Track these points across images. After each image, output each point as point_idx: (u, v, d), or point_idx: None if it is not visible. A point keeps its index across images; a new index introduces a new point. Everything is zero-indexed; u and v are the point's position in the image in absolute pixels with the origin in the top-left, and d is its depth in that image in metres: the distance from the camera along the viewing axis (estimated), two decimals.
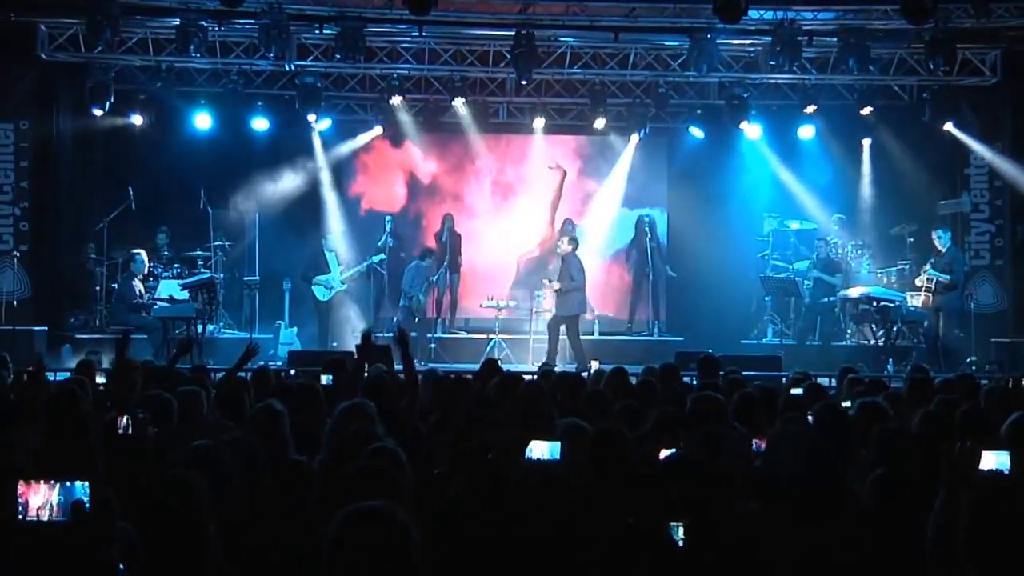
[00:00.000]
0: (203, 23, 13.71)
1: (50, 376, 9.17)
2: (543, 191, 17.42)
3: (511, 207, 17.46)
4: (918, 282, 14.53)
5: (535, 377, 8.81)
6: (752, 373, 10.67)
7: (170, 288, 14.36)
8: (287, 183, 16.14)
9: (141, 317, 14.08)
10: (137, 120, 15.61)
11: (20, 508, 3.26)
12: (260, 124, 15.69)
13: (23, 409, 6.57)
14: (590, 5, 14.15)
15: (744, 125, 15.58)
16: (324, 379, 7.69)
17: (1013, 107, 15.77)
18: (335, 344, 14.71)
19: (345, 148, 16.87)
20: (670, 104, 16.21)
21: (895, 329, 14.43)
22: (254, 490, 4.73)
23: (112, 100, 14.74)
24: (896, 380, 10.52)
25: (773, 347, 15.02)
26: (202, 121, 15.47)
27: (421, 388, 8.00)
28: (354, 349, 11.91)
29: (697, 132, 16.45)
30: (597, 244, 17.00)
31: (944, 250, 14.48)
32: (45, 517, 3.26)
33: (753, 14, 13.13)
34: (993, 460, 4.35)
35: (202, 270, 15.24)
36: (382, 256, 15.77)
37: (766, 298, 15.99)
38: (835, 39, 14.37)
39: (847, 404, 6.62)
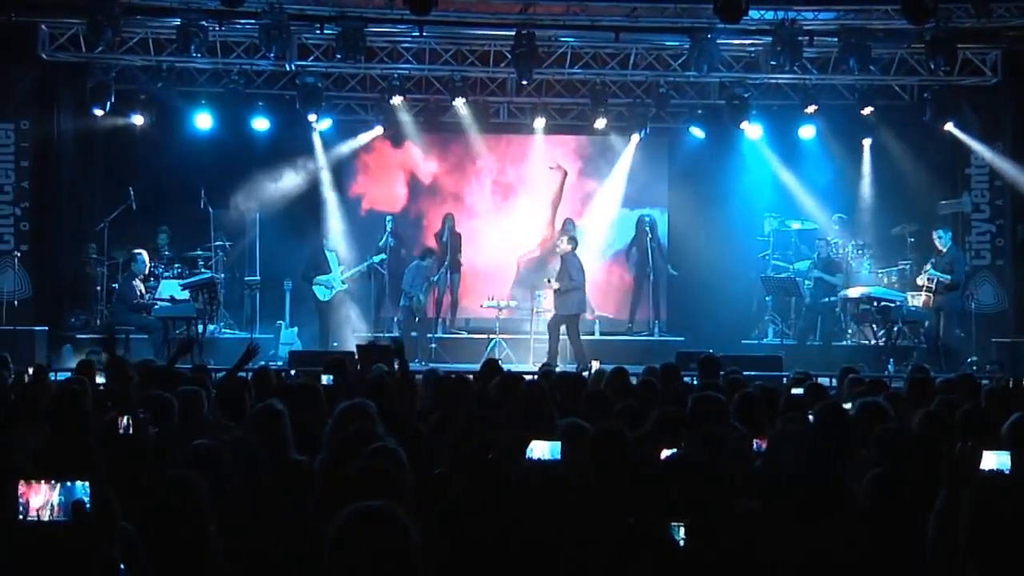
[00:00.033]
0: (204, 23, 13.71)
1: (51, 376, 9.19)
2: (544, 191, 17.42)
3: (512, 207, 17.45)
4: (919, 282, 14.53)
5: (536, 377, 8.81)
6: (753, 373, 10.67)
7: (171, 288, 14.36)
8: (288, 183, 16.14)
9: (142, 317, 14.09)
10: (138, 120, 15.62)
11: (21, 508, 3.26)
12: (261, 124, 15.69)
13: (24, 409, 6.57)
14: (591, 5, 14.15)
15: (745, 125, 15.58)
16: (325, 379, 7.69)
17: (1014, 107, 15.77)
18: (336, 344, 14.71)
19: (346, 148, 16.87)
20: (671, 104, 16.21)
21: (896, 329, 14.42)
22: (255, 490, 4.73)
23: (113, 100, 14.74)
24: (897, 380, 10.52)
25: (774, 347, 15.01)
26: (203, 121, 15.47)
27: (422, 388, 8.03)
28: (355, 349, 12.04)
29: (698, 132, 16.44)
30: (597, 244, 17.00)
31: (945, 250, 14.47)
32: (46, 517, 3.27)
33: (754, 14, 13.11)
34: (994, 460, 4.35)
35: (203, 270, 15.25)
36: (383, 256, 15.78)
37: (767, 298, 15.98)
38: (836, 39, 14.36)
39: (847, 406, 6.62)
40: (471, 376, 8.18)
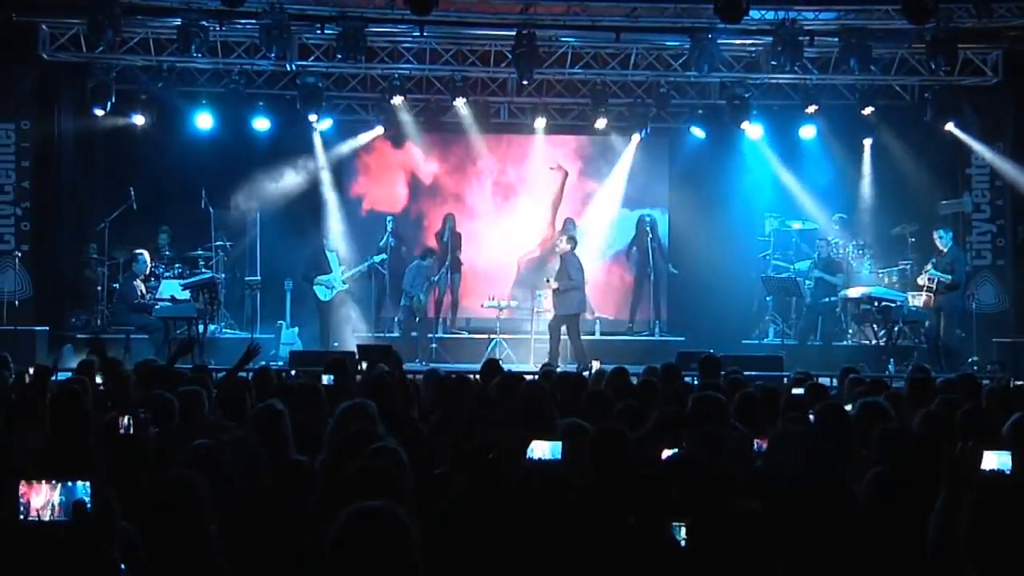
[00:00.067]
0: (204, 23, 13.71)
1: (52, 377, 9.18)
2: (544, 191, 17.42)
3: (512, 207, 17.45)
4: (920, 282, 14.52)
5: (536, 377, 8.81)
6: (753, 373, 10.67)
7: (171, 288, 14.36)
8: (288, 183, 16.14)
9: (143, 317, 14.10)
10: (138, 120, 15.62)
11: (22, 508, 3.26)
12: (261, 124, 15.69)
13: (24, 409, 6.57)
14: (591, 5, 14.15)
15: (745, 125, 15.57)
16: (325, 379, 7.70)
17: (1015, 107, 15.76)
18: (336, 344, 14.71)
19: (346, 148, 16.87)
20: (671, 104, 16.20)
21: (896, 329, 14.42)
22: (255, 490, 4.73)
23: (113, 100, 14.74)
24: (897, 380, 10.52)
25: (774, 347, 15.01)
26: (203, 121, 15.48)
27: (422, 388, 8.03)
28: (355, 349, 12.05)
29: (698, 132, 16.44)
30: (597, 244, 17.00)
31: (946, 250, 14.47)
32: (46, 517, 3.27)
33: (754, 14, 13.11)
34: (995, 460, 4.35)
35: (203, 270, 15.26)
36: (383, 256, 15.79)
37: (767, 298, 15.98)
38: (836, 39, 14.35)
39: (848, 407, 6.62)
40: (473, 376, 8.19)
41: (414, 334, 15.19)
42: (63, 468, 3.56)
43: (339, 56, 14.19)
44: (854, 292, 14.98)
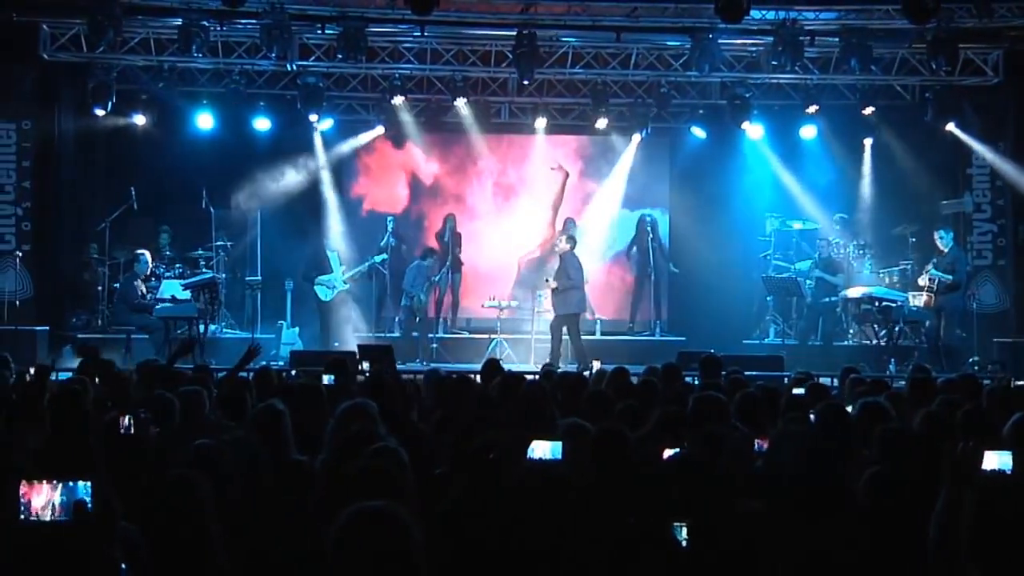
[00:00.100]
0: (205, 23, 13.71)
1: (51, 376, 9.19)
2: (545, 192, 17.42)
3: (513, 208, 17.45)
4: (920, 282, 14.52)
5: (537, 377, 8.81)
6: (754, 373, 10.66)
7: (172, 288, 14.36)
8: (289, 183, 16.15)
9: (143, 317, 14.11)
10: (139, 120, 15.63)
11: (22, 508, 3.26)
12: (262, 124, 15.69)
13: (24, 409, 6.58)
14: (592, 5, 14.15)
15: (746, 125, 15.56)
16: (326, 379, 7.70)
17: (1015, 107, 15.75)
18: (337, 344, 14.70)
19: (347, 148, 16.87)
20: (672, 104, 16.20)
21: (897, 329, 14.42)
22: (256, 490, 4.73)
23: (114, 100, 14.74)
24: (898, 380, 10.52)
25: (775, 347, 15.00)
26: (204, 121, 15.48)
27: (423, 388, 8.03)
28: (356, 349, 12.06)
29: (699, 132, 16.44)
30: (598, 245, 17.00)
31: (946, 250, 14.46)
32: (47, 517, 3.27)
33: (755, 14, 13.10)
34: (996, 460, 4.35)
35: (204, 270, 15.27)
36: (384, 256, 15.79)
37: (768, 298, 15.98)
38: (837, 39, 14.35)
39: (849, 407, 6.61)
40: (473, 376, 8.19)
41: (415, 334, 15.19)
42: (64, 468, 3.56)
43: (340, 56, 14.19)
44: (855, 292, 14.98)
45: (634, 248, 16.94)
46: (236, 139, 15.73)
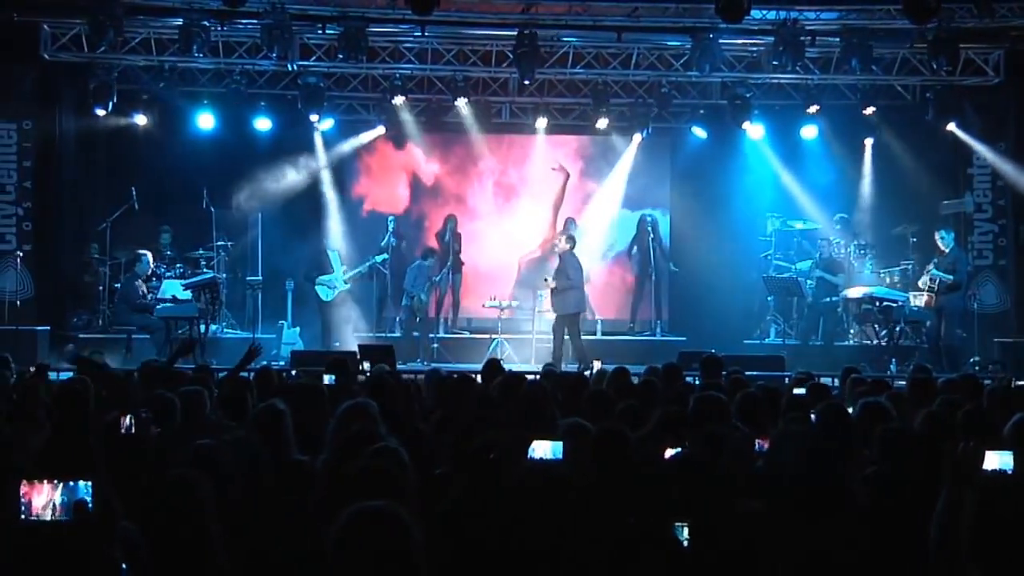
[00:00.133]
0: (206, 23, 13.72)
1: (52, 376, 9.20)
2: (545, 192, 17.42)
3: (513, 208, 17.45)
4: (921, 283, 14.52)
5: (538, 377, 8.81)
6: (755, 373, 10.66)
7: (173, 288, 14.37)
8: (290, 183, 16.15)
9: (144, 317, 14.11)
10: (140, 120, 15.64)
11: (23, 508, 3.26)
12: (263, 124, 15.70)
13: (25, 409, 6.58)
14: (593, 5, 14.15)
15: (747, 125, 15.56)
16: (327, 379, 7.69)
17: (1016, 107, 15.75)
18: (338, 344, 14.70)
19: (348, 148, 16.87)
20: (673, 104, 16.20)
21: (898, 329, 14.42)
22: (257, 490, 4.72)
23: (115, 100, 14.76)
24: (899, 380, 10.52)
25: (776, 347, 15.01)
26: (205, 121, 15.49)
27: (424, 388, 8.03)
28: (356, 349, 12.06)
29: (700, 132, 16.44)
30: (598, 245, 17.00)
31: (947, 250, 14.45)
32: (48, 517, 3.27)
33: (756, 14, 13.10)
34: (996, 460, 4.35)
35: (205, 270, 15.27)
36: (385, 256, 15.78)
37: (769, 298, 15.98)
38: (838, 39, 14.35)
39: (849, 407, 6.61)
40: (475, 376, 8.19)
41: (415, 334, 15.19)
42: (64, 468, 3.56)
43: (340, 56, 14.20)
44: (855, 292, 14.98)
45: (635, 248, 16.94)
46: (237, 139, 15.74)
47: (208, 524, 3.94)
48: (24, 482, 3.27)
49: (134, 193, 15.31)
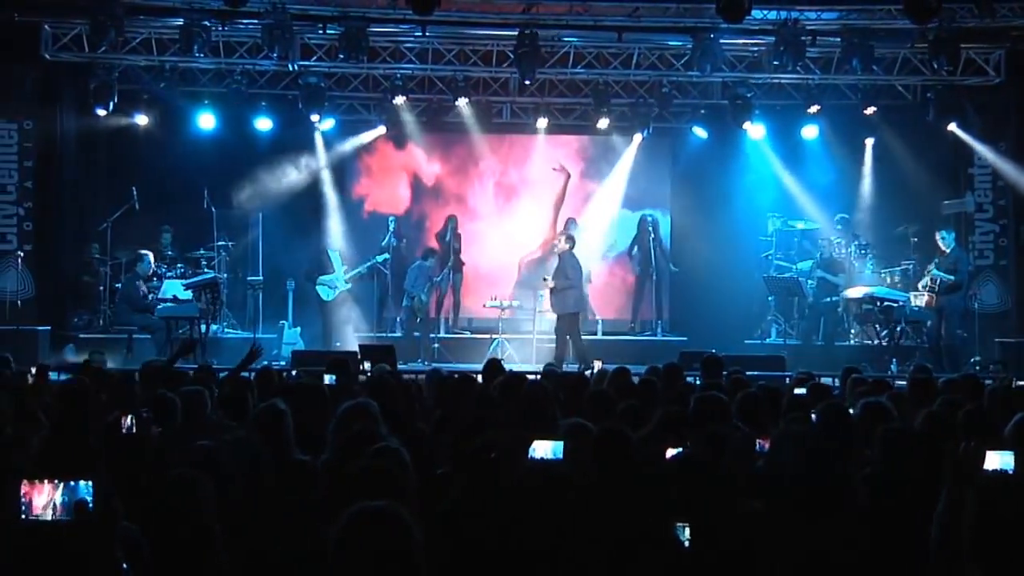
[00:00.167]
0: (207, 23, 13.73)
1: (53, 376, 9.20)
2: (546, 192, 17.42)
3: (514, 208, 17.46)
4: (922, 283, 14.51)
5: (538, 377, 8.80)
6: (756, 373, 10.65)
7: (174, 288, 14.38)
8: (290, 183, 16.16)
9: (145, 317, 14.11)
10: (141, 120, 15.65)
11: (23, 508, 3.26)
12: (263, 124, 15.71)
13: (25, 409, 6.57)
14: (593, 5, 14.15)
15: (747, 125, 15.56)
16: (327, 379, 7.69)
17: (1017, 107, 15.74)
18: (338, 344, 14.71)
19: (348, 148, 16.88)
20: (673, 104, 16.20)
21: (899, 329, 14.42)
22: (257, 490, 4.72)
23: (116, 100, 14.75)
24: (900, 380, 10.51)
25: (777, 347, 15.00)
26: (206, 121, 15.50)
27: (425, 388, 8.03)
28: (357, 349, 12.06)
29: (700, 132, 16.45)
30: (598, 245, 16.99)
31: (948, 250, 14.45)
32: (48, 517, 3.27)
33: (756, 14, 13.11)
34: (997, 460, 4.35)
35: (206, 270, 15.29)
36: (386, 256, 15.79)
37: (769, 298, 15.98)
38: (839, 39, 14.36)
39: (850, 407, 6.60)
40: (475, 376, 8.18)
41: (416, 334, 15.20)
42: (65, 468, 3.56)
43: (341, 56, 14.20)
44: (856, 292, 14.98)
45: (635, 248, 16.93)
46: (238, 139, 15.74)
47: (209, 524, 3.95)
48: (24, 482, 3.27)
49: (135, 193, 15.32)
